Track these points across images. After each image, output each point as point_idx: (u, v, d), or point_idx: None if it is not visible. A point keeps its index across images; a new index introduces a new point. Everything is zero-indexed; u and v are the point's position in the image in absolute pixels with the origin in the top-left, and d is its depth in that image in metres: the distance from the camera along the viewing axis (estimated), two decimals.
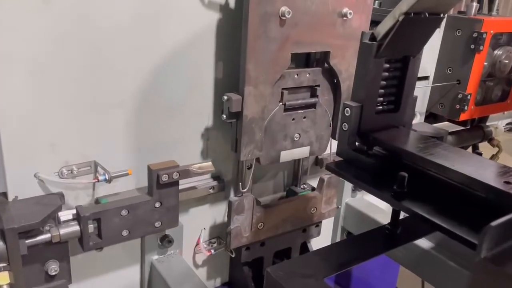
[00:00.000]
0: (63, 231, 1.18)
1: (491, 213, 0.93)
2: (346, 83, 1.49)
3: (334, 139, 1.57)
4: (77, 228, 1.20)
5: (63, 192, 1.25)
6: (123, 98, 1.27)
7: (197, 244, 1.60)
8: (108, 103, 1.25)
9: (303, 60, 1.52)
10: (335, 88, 1.52)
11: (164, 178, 1.28)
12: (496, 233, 0.61)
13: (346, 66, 1.48)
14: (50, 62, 1.13)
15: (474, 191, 0.99)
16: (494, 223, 0.60)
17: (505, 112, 2.34)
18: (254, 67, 1.29)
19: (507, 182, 0.94)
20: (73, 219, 1.21)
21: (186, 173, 1.33)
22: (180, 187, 1.44)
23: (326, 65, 1.47)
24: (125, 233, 1.28)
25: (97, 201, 1.31)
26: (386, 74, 1.18)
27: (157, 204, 1.31)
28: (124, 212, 1.25)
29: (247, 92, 1.31)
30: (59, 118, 1.19)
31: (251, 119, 1.35)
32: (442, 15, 1.13)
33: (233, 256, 1.58)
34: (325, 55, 1.45)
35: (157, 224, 1.33)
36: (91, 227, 1.22)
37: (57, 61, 1.14)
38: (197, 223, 1.58)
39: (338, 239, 2.01)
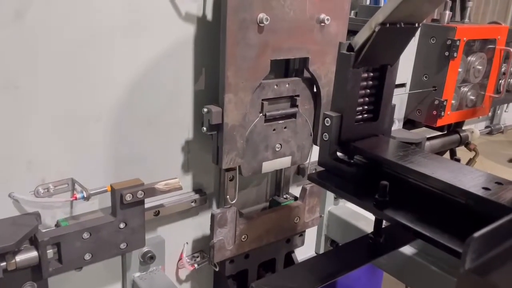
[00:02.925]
0: (19, 258, 1.09)
1: (472, 219, 0.95)
2: (326, 89, 1.50)
3: (316, 145, 1.57)
4: (35, 254, 1.11)
5: (40, 212, 1.21)
6: (100, 111, 1.25)
7: (180, 259, 1.57)
8: (85, 117, 1.22)
9: (282, 70, 1.52)
10: (315, 97, 1.53)
11: (128, 197, 1.22)
12: (479, 244, 0.61)
13: (325, 71, 1.48)
14: (24, 77, 1.10)
15: (454, 197, 1.00)
16: (477, 234, 0.60)
17: (480, 116, 2.39)
18: (233, 74, 1.28)
19: (485, 188, 0.96)
20: (30, 245, 1.13)
21: (151, 191, 1.27)
22: (161, 201, 1.42)
23: (305, 73, 1.48)
24: (87, 256, 1.21)
25: (57, 224, 1.25)
26: (365, 83, 1.20)
27: (122, 225, 1.25)
28: (86, 235, 1.19)
29: (227, 99, 1.30)
30: (34, 135, 1.16)
31: (232, 126, 1.34)
32: (417, 25, 1.15)
33: (217, 269, 1.55)
34: (304, 62, 1.46)
35: (122, 245, 1.27)
36: (50, 252, 1.14)
37: (31, 75, 1.11)
38: (179, 238, 1.55)
39: (322, 248, 2.01)
